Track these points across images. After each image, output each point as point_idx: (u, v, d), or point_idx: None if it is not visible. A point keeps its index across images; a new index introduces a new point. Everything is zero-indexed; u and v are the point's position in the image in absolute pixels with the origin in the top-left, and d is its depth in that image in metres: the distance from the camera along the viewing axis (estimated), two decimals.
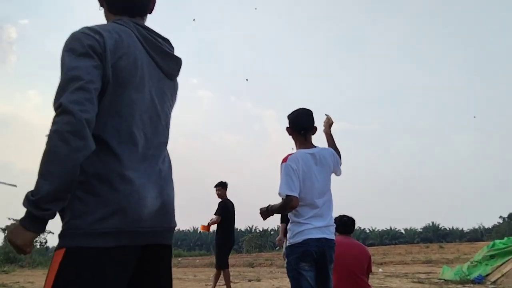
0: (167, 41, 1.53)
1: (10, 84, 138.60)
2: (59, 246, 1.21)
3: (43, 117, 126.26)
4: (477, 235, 69.98)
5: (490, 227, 70.06)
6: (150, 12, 1.56)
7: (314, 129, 3.02)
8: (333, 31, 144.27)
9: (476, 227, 76.07)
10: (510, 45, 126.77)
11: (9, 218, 34.32)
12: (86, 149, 1.16)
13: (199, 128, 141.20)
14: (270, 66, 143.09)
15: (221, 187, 7.17)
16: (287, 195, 2.75)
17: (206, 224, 6.98)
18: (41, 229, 1.17)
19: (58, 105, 1.15)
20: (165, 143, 1.47)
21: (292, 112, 3.06)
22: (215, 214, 6.96)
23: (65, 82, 1.19)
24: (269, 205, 3.01)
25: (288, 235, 2.91)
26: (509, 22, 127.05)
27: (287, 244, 2.90)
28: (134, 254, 1.30)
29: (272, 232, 67.41)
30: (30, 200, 1.13)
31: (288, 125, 3.06)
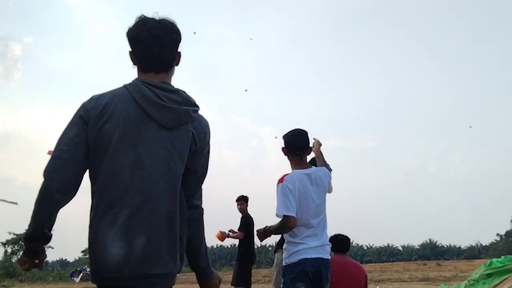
0: (176, 91, 1.64)
1: (14, 100, 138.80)
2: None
3: (45, 133, 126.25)
4: (475, 253, 69.66)
5: (488, 245, 69.78)
6: (177, 65, 1.75)
7: (309, 150, 3.07)
8: (331, 49, 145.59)
9: (474, 244, 75.79)
10: (506, 63, 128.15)
11: (9, 233, 34.31)
12: (53, 206, 1.54)
13: None
14: (268, 82, 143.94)
15: (243, 201, 6.82)
16: (284, 216, 2.78)
17: (225, 233, 6.67)
18: (33, 256, 1.62)
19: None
20: (152, 191, 1.54)
21: (288, 133, 3.08)
22: (238, 229, 6.67)
23: (54, 148, 1.58)
24: (266, 226, 3.04)
25: (284, 255, 2.94)
26: (504, 37, 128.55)
27: (283, 264, 2.92)
28: None
29: (270, 249, 66.98)
30: (24, 235, 1.59)
31: (283, 146, 3.08)
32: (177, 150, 1.61)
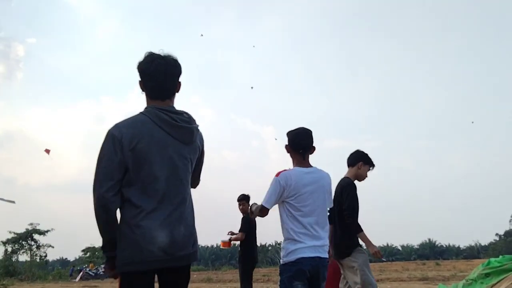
0: (181, 113, 2.08)
1: (16, 100, 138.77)
2: (117, 271, 1.97)
3: (47, 133, 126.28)
4: (474, 252, 69.79)
5: (487, 244, 69.91)
6: (177, 92, 2.14)
7: (312, 149, 3.04)
8: (332, 49, 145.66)
9: (473, 244, 75.94)
10: (507, 63, 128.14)
11: (9, 232, 34.38)
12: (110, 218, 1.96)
13: None
14: (270, 83, 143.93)
15: (245, 201, 6.56)
16: (262, 205, 2.95)
17: (227, 240, 6.55)
18: (112, 264, 1.99)
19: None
20: (182, 193, 2.06)
21: (292, 131, 3.08)
22: (239, 231, 6.49)
23: (95, 173, 1.95)
24: (254, 203, 3.20)
25: (281, 254, 2.94)
26: (505, 37, 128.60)
27: (281, 263, 2.94)
28: (152, 276, 1.98)
29: (269, 248, 67.08)
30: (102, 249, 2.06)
31: (287, 143, 3.07)
32: (192, 160, 2.12)
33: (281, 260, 2.94)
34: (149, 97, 2.10)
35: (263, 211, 2.97)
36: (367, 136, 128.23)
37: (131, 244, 1.91)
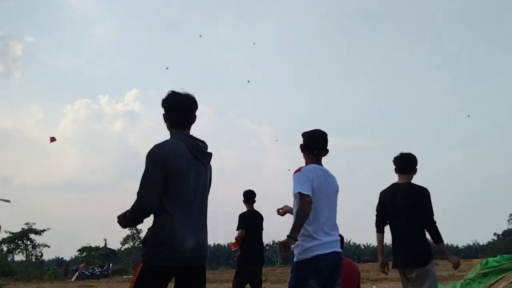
0: (203, 142, 2.59)
1: (14, 99, 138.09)
2: (141, 261, 2.36)
3: (44, 133, 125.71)
4: (472, 252, 69.88)
5: (485, 244, 70.03)
6: (193, 123, 2.61)
7: (326, 152, 3.12)
8: (331, 48, 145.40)
9: (471, 244, 76.07)
10: (507, 63, 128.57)
11: (5, 231, 34.17)
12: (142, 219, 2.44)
13: None
14: (268, 82, 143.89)
15: (244, 198, 6.39)
16: (300, 193, 2.78)
17: (234, 241, 6.30)
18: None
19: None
20: (205, 206, 2.56)
21: (309, 132, 3.15)
22: (236, 229, 6.23)
23: (142, 183, 2.36)
24: (286, 205, 3.26)
25: (296, 251, 2.89)
26: (500, 42, 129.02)
27: (295, 260, 2.88)
28: (179, 271, 2.39)
29: (267, 248, 67.07)
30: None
31: (302, 143, 3.14)
32: (209, 178, 2.66)
33: (295, 258, 2.89)
34: (172, 127, 2.59)
35: (305, 200, 2.79)
36: (367, 136, 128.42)
37: (164, 242, 2.30)
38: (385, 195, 4.02)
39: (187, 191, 2.40)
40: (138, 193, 2.32)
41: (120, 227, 2.47)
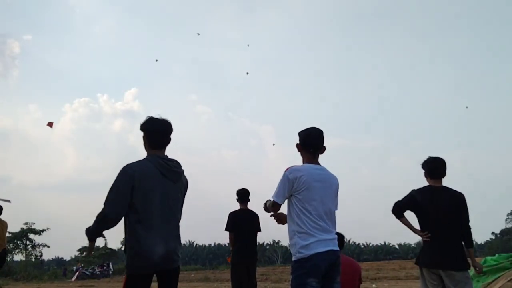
0: (174, 161, 2.92)
1: (11, 97, 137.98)
2: (126, 273, 2.76)
3: (42, 132, 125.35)
4: None
5: (483, 243, 70.10)
6: (168, 144, 2.93)
7: (323, 149, 3.09)
8: (331, 48, 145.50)
9: None
10: (506, 63, 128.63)
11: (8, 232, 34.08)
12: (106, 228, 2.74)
13: (196, 143, 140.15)
14: (268, 82, 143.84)
15: (237, 197, 6.18)
16: (274, 201, 2.99)
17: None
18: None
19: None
20: (173, 217, 2.88)
21: (304, 130, 3.12)
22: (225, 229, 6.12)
23: (108, 195, 2.69)
24: (268, 200, 3.12)
25: (292, 250, 2.90)
26: (501, 38, 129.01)
27: (293, 259, 2.88)
28: (150, 278, 2.75)
29: (267, 247, 67.06)
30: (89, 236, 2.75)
31: (298, 142, 3.11)
32: (179, 193, 2.94)
33: (293, 257, 2.89)
34: (150, 147, 2.91)
35: (275, 206, 3.04)
36: (367, 136, 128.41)
37: (138, 254, 2.66)
38: (421, 194, 3.97)
39: (155, 205, 2.72)
40: (104, 204, 2.64)
41: (87, 240, 2.76)
